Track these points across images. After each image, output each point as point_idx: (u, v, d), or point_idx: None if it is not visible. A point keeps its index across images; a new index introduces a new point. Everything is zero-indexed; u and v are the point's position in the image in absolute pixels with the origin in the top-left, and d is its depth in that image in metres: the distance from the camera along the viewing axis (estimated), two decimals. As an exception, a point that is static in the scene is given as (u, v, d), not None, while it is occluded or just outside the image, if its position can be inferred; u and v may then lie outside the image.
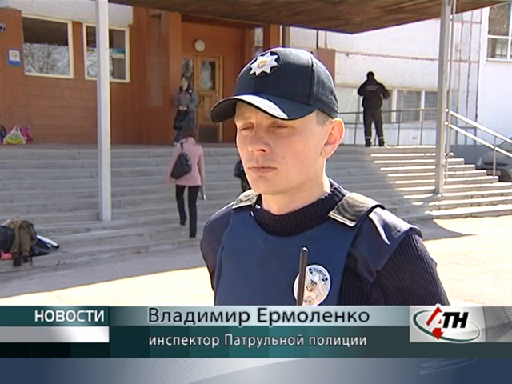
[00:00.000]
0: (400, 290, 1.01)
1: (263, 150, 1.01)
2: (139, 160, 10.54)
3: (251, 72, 1.03)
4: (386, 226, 1.03)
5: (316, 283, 1.01)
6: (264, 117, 0.99)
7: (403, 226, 1.03)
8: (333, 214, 1.06)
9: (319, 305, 1.00)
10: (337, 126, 1.08)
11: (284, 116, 0.96)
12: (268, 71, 1.01)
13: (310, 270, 1.02)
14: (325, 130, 1.06)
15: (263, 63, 1.02)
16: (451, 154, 12.98)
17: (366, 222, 1.04)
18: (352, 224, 1.04)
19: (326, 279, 1.01)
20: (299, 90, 1.01)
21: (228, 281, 1.14)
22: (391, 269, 1.00)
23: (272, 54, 1.03)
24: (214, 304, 1.18)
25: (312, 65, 1.03)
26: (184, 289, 6.21)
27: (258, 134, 1.01)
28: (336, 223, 1.05)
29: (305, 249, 0.94)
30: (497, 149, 14.12)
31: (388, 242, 1.01)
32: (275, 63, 1.01)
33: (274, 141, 1.01)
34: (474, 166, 14.16)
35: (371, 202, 1.07)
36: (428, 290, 1.02)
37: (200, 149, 8.50)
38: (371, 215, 1.05)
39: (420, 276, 1.01)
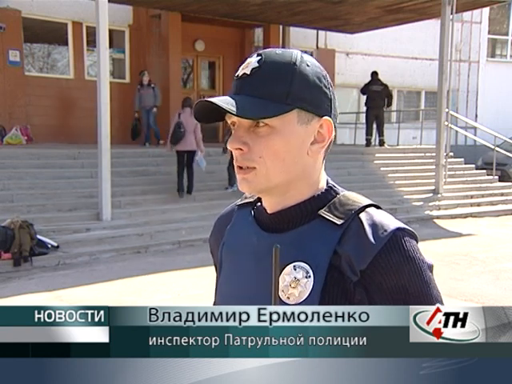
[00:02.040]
0: (385, 290, 0.98)
1: (241, 150, 1.02)
2: (139, 160, 10.54)
3: (236, 73, 1.05)
4: (373, 225, 1.01)
5: (299, 280, 1.01)
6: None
7: (391, 225, 1.01)
8: (322, 212, 1.05)
9: (302, 302, 1.00)
10: (325, 125, 1.06)
11: (235, 112, 0.97)
12: (248, 72, 1.02)
13: (294, 266, 1.02)
14: (310, 129, 1.04)
15: (247, 65, 1.04)
16: (451, 154, 12.98)
17: (354, 220, 1.03)
18: (340, 222, 1.03)
19: (310, 276, 1.01)
20: (277, 90, 1.01)
21: (226, 276, 1.16)
22: (375, 269, 0.98)
23: (258, 55, 1.04)
24: (215, 298, 1.20)
25: (294, 63, 1.02)
26: (184, 289, 6.21)
27: (237, 133, 1.03)
28: (325, 221, 1.04)
29: (277, 245, 0.94)
30: (497, 149, 14.12)
31: (373, 242, 0.99)
32: (257, 64, 1.02)
33: (253, 140, 1.02)
34: (474, 166, 14.17)
35: (365, 201, 1.06)
36: (417, 292, 0.99)
37: None
38: (361, 214, 1.03)
39: (407, 277, 0.99)
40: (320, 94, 1.04)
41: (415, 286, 0.99)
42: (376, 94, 13.13)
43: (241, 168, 1.04)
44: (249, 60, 1.04)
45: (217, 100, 0.99)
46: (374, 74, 13.31)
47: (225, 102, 0.99)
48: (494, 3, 13.16)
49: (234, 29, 14.76)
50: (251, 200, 1.17)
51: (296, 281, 1.01)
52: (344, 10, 12.43)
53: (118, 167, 9.48)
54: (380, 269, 0.98)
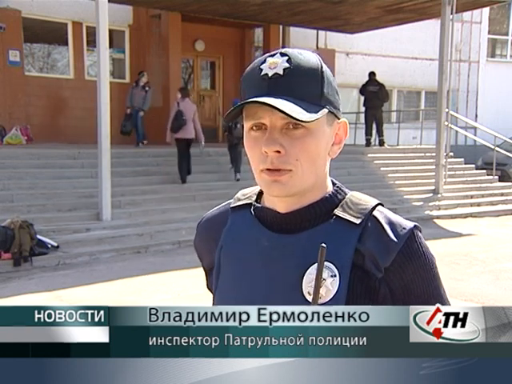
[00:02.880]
0: (405, 286, 1.03)
1: (278, 152, 1.01)
2: (139, 160, 10.54)
3: (263, 73, 1.02)
4: (391, 223, 1.05)
5: (325, 279, 1.02)
6: (278, 118, 0.99)
7: (407, 223, 1.06)
8: (338, 212, 1.07)
9: (329, 301, 1.01)
10: (342, 127, 1.10)
11: (306, 118, 0.97)
12: (281, 73, 1.01)
13: None
14: (332, 130, 1.08)
15: (275, 64, 1.02)
16: (451, 154, 12.98)
17: (370, 219, 1.05)
18: (358, 221, 1.05)
19: (335, 275, 1.02)
20: (312, 92, 1.02)
21: (229, 280, 1.13)
22: (398, 265, 1.02)
23: (282, 55, 1.03)
24: (213, 304, 1.16)
25: (321, 66, 1.05)
26: (184, 289, 6.20)
27: (272, 135, 1.01)
28: (341, 220, 1.06)
29: (323, 245, 0.95)
30: (497, 149, 14.11)
31: (395, 239, 1.03)
32: (287, 64, 1.01)
33: (287, 142, 1.01)
34: (474, 166, 14.16)
35: (373, 201, 1.09)
36: (430, 285, 1.05)
37: (194, 106, 10.35)
38: (375, 213, 1.06)
39: (424, 272, 1.04)
40: (337, 96, 1.08)
41: (430, 280, 1.06)
42: (372, 94, 13.18)
43: (270, 170, 1.02)
44: (273, 60, 1.02)
45: (279, 104, 0.97)
46: (372, 74, 13.36)
47: (282, 105, 0.97)
48: (493, 3, 13.15)
49: (234, 29, 14.75)
50: (248, 201, 1.15)
51: (322, 280, 1.02)
52: (344, 9, 12.43)
53: (117, 167, 9.48)
54: (402, 265, 1.03)
